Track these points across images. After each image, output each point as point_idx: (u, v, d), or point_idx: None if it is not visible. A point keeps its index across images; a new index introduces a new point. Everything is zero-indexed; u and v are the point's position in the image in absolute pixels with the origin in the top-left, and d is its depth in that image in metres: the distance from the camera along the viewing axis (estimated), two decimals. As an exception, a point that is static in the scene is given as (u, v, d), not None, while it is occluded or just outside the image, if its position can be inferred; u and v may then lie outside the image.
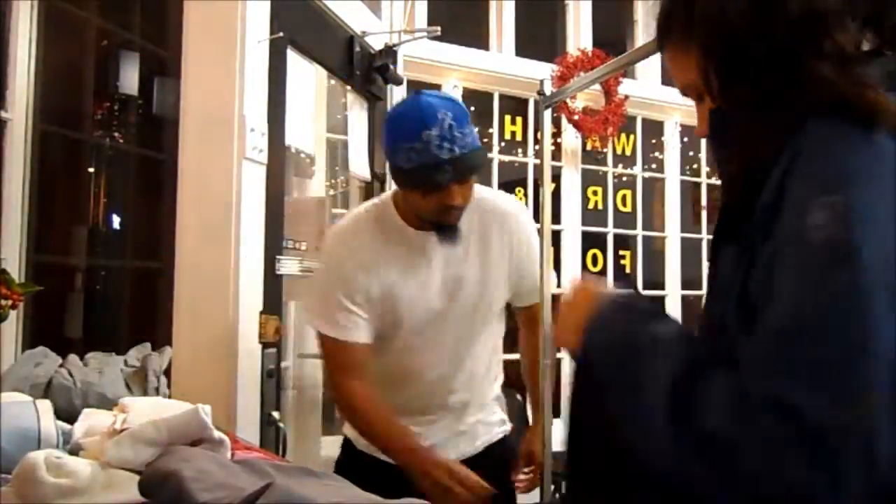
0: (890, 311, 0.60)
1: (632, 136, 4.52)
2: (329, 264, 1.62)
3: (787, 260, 0.65)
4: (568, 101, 3.97)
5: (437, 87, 3.86)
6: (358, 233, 1.60)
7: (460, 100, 1.58)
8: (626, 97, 4.23)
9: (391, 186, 3.14)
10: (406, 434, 1.56)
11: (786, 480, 0.59)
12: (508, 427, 1.81)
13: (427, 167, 1.41)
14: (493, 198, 1.68)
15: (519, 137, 4.20)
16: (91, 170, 2.66)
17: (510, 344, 1.86)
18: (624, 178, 4.52)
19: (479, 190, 1.59)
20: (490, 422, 1.76)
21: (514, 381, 1.96)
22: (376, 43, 3.01)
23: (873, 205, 0.63)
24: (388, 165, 1.56)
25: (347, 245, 1.59)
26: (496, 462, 1.72)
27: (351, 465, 1.71)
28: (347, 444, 1.76)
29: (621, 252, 4.43)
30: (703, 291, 4.16)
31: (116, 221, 2.79)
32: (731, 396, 0.63)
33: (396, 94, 3.20)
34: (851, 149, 0.66)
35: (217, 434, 1.25)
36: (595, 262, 4.31)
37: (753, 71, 0.74)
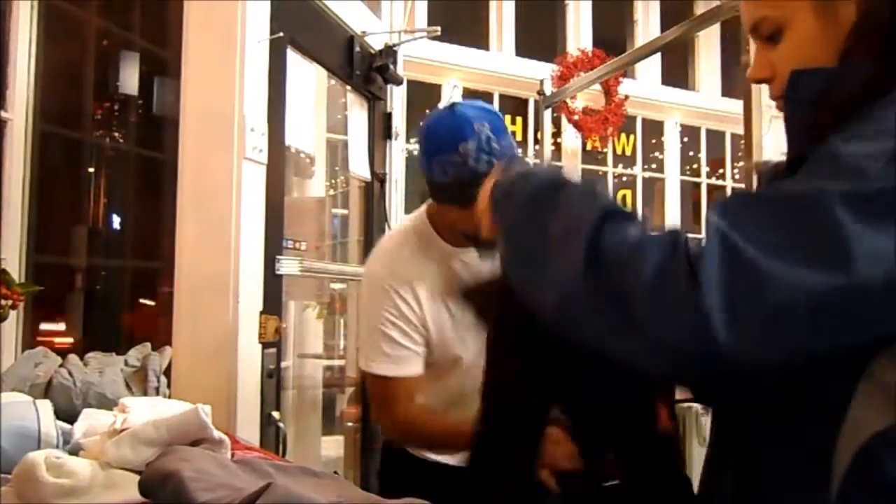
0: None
1: (632, 136, 4.52)
2: (372, 288, 1.53)
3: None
4: (568, 101, 3.97)
5: (437, 87, 3.86)
6: (398, 252, 1.54)
7: (496, 109, 1.54)
8: (626, 97, 4.23)
9: (393, 186, 3.15)
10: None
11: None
12: None
13: (465, 181, 1.33)
14: None
15: (519, 137, 4.20)
16: (91, 170, 2.66)
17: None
18: (624, 178, 4.53)
19: None
20: None
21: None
22: (376, 43, 3.01)
23: None
24: (425, 179, 1.49)
25: (389, 267, 1.51)
26: None
27: (397, 470, 1.64)
28: (388, 452, 1.69)
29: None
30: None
31: (116, 221, 2.79)
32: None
33: (396, 94, 3.20)
34: None
35: (217, 434, 1.25)
36: (595, 262, 4.31)
37: None
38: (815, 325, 0.60)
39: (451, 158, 1.37)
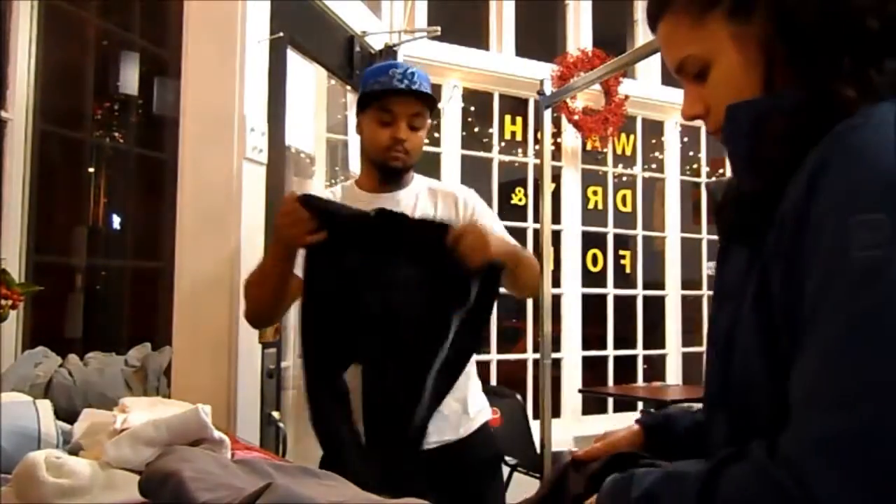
0: None
1: (632, 136, 4.52)
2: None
3: (829, 282, 0.61)
4: (568, 101, 3.97)
5: (437, 87, 3.86)
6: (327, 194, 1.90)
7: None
8: (626, 97, 4.23)
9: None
10: None
11: None
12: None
13: (386, 91, 1.74)
14: (442, 184, 2.00)
15: (519, 137, 4.20)
16: (91, 170, 2.66)
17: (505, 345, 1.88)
18: (624, 178, 4.53)
19: (430, 181, 1.91)
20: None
21: (513, 381, 1.98)
22: (376, 43, 3.01)
23: None
24: (357, 106, 1.83)
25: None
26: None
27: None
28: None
29: (621, 252, 4.43)
30: (703, 292, 4.17)
31: (116, 221, 2.79)
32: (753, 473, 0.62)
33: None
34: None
35: (217, 434, 1.25)
36: (595, 262, 4.31)
37: (825, 60, 0.70)
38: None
39: (380, 78, 1.77)
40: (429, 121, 1.85)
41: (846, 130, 0.65)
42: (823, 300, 0.61)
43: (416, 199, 1.84)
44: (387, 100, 1.75)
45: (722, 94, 0.79)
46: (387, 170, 1.80)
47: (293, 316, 2.96)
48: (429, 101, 1.81)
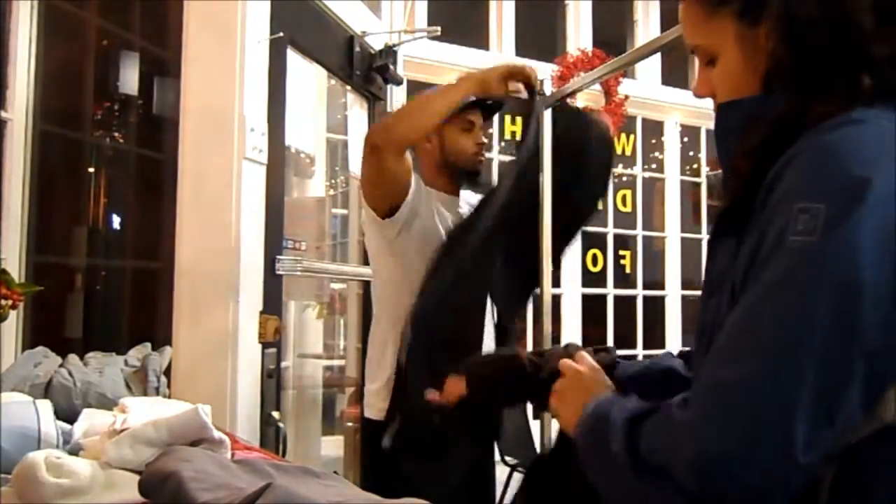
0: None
1: (632, 136, 4.52)
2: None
3: (766, 261, 0.66)
4: (568, 101, 3.97)
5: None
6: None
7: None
8: (626, 97, 4.23)
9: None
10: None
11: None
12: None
13: (473, 104, 1.97)
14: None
15: (519, 137, 4.19)
16: (91, 170, 2.66)
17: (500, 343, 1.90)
18: (624, 178, 4.53)
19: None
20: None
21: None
22: (376, 43, 3.01)
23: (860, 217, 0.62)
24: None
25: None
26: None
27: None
28: (370, 425, 1.88)
29: (621, 252, 4.43)
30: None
31: (116, 221, 2.79)
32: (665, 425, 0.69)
33: (396, 94, 3.20)
34: (852, 156, 0.64)
35: (217, 434, 1.25)
36: (595, 262, 4.31)
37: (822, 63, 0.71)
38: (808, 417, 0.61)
39: None
40: None
41: (823, 129, 0.67)
42: (754, 276, 0.67)
43: (471, 198, 2.05)
44: (468, 111, 1.97)
45: (723, 86, 0.82)
46: (470, 172, 2.00)
47: (293, 315, 2.97)
48: (491, 111, 2.11)
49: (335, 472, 1.42)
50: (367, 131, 1.96)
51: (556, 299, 4.01)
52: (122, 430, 1.21)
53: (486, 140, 2.03)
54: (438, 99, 1.83)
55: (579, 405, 0.83)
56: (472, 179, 2.02)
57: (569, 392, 0.93)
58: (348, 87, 2.97)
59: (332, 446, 3.12)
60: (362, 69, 2.88)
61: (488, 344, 1.85)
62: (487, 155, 3.97)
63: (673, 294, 4.51)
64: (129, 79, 2.62)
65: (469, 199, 2.03)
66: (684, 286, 4.55)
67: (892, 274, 0.61)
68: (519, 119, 4.18)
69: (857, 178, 0.62)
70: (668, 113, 4.52)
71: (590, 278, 4.25)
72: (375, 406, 1.87)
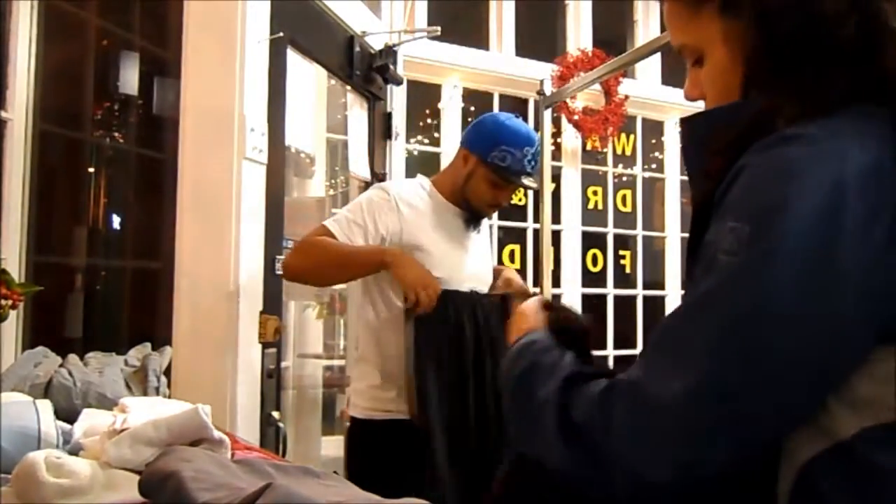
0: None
1: (632, 136, 4.52)
2: (371, 189, 2.01)
3: (701, 274, 0.67)
4: (568, 101, 3.97)
5: (437, 87, 3.86)
6: (408, 182, 2.09)
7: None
8: (626, 97, 4.23)
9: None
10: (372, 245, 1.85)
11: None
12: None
13: (514, 171, 1.91)
14: None
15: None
16: (91, 170, 2.66)
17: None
18: (624, 178, 4.53)
19: None
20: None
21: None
22: (376, 43, 3.01)
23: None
24: (473, 153, 1.95)
25: (396, 184, 2.06)
26: None
27: (362, 439, 1.92)
28: (358, 427, 1.92)
29: (621, 252, 4.43)
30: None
31: (116, 221, 2.79)
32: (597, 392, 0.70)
33: (396, 94, 3.20)
34: (787, 172, 0.63)
35: (217, 434, 1.25)
36: (595, 262, 4.31)
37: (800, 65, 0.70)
38: (687, 432, 0.63)
39: (515, 153, 1.89)
40: None
41: (776, 140, 0.65)
42: (693, 284, 0.68)
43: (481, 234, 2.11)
44: (511, 181, 1.94)
45: (710, 88, 0.80)
46: (475, 216, 2.01)
47: (293, 315, 2.97)
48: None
49: (335, 472, 1.42)
50: (289, 253, 1.98)
51: (557, 299, 4.02)
52: (122, 430, 1.21)
53: (503, 204, 2.05)
54: (357, 259, 1.86)
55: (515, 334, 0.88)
56: (472, 221, 2.01)
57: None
58: (348, 87, 2.97)
59: (332, 446, 3.12)
60: (362, 69, 2.88)
61: None
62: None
63: (673, 294, 4.51)
64: (129, 79, 2.62)
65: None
66: (684, 286, 4.55)
67: (806, 298, 0.60)
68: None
69: (775, 199, 0.62)
70: (668, 113, 4.52)
71: (590, 278, 4.25)
72: (358, 405, 1.93)
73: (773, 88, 0.71)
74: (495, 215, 3.92)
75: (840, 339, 0.61)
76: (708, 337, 0.63)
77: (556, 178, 4.17)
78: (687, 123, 0.78)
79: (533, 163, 1.94)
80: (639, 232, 4.48)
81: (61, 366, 1.68)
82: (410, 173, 3.42)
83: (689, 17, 0.79)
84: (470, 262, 1.99)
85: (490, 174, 1.92)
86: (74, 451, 1.27)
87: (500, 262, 4.02)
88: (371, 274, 1.88)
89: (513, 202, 4.13)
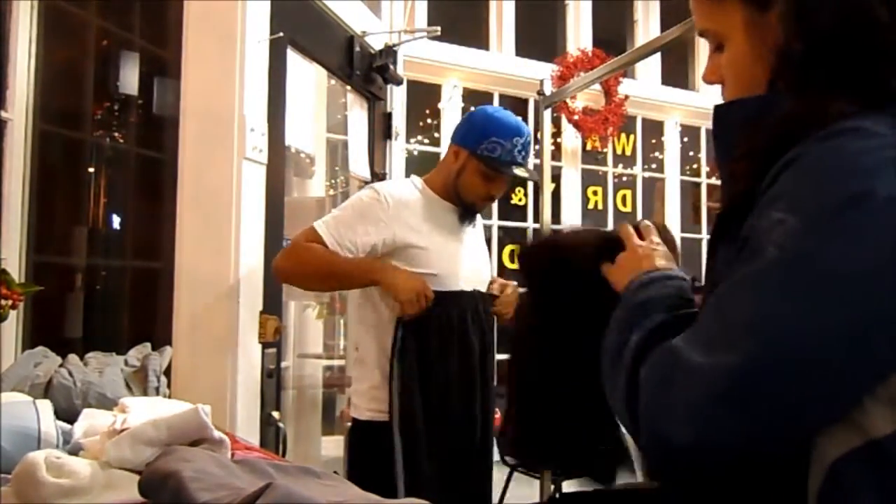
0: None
1: (632, 136, 4.52)
2: (363, 190, 1.99)
3: (742, 262, 0.66)
4: (568, 101, 3.97)
5: (437, 87, 3.86)
6: (401, 182, 2.09)
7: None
8: (626, 97, 4.23)
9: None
10: (369, 259, 1.84)
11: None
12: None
13: (504, 161, 1.90)
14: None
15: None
16: (91, 170, 2.66)
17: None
18: (624, 178, 4.53)
19: None
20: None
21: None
22: (376, 43, 3.01)
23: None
24: (463, 147, 1.94)
25: (387, 184, 2.04)
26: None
27: (364, 441, 1.90)
28: (359, 428, 1.91)
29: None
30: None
31: (116, 221, 2.79)
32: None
33: (396, 94, 3.20)
34: (842, 169, 0.62)
35: (217, 434, 1.25)
36: (595, 262, 4.30)
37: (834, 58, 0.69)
38: (734, 407, 0.61)
39: (505, 143, 1.90)
40: None
41: (831, 133, 0.65)
42: (734, 270, 0.67)
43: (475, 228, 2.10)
44: (501, 171, 1.92)
45: (730, 73, 0.80)
46: (469, 211, 1.99)
47: (293, 316, 2.97)
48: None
49: (335, 472, 1.42)
50: (279, 255, 1.92)
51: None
52: (122, 430, 1.21)
53: (497, 196, 2.02)
54: (347, 276, 1.85)
55: (629, 274, 0.89)
56: (466, 217, 2.00)
57: (624, 261, 0.95)
58: (348, 87, 2.97)
59: (332, 446, 3.12)
60: (362, 69, 2.88)
61: None
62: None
63: (673, 294, 4.51)
64: (129, 79, 2.62)
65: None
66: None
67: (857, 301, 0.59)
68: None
69: (837, 195, 0.61)
70: (668, 113, 4.52)
71: (590, 278, 4.25)
72: (359, 407, 1.92)
73: (809, 83, 0.70)
74: (495, 216, 3.93)
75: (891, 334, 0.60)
76: (751, 315, 0.62)
77: (556, 178, 4.17)
78: (718, 111, 0.78)
79: (524, 153, 1.93)
80: (639, 232, 4.48)
81: (61, 366, 1.68)
82: (410, 173, 3.42)
83: (713, 3, 0.80)
84: (466, 258, 1.97)
85: (481, 166, 1.91)
86: (74, 451, 1.27)
87: (499, 261, 4.02)
88: (360, 288, 1.90)
89: (513, 202, 4.13)
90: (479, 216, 2.11)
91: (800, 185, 0.64)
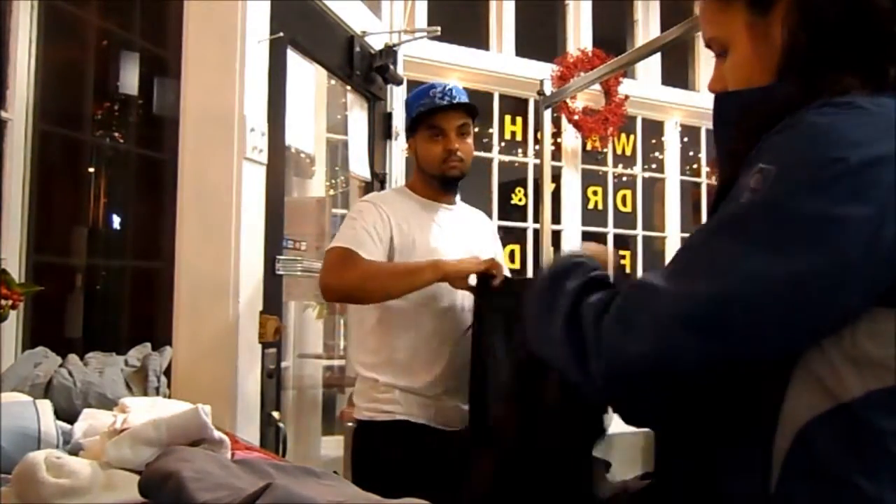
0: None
1: (632, 136, 4.52)
2: (358, 205, 2.05)
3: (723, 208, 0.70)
4: (568, 101, 3.97)
5: (437, 87, 3.86)
6: (385, 193, 2.30)
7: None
8: (626, 97, 4.23)
9: (392, 186, 3.15)
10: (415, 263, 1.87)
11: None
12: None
13: (435, 107, 1.94)
14: (468, 206, 2.18)
15: (519, 137, 4.20)
16: (91, 170, 2.65)
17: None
18: (624, 178, 4.53)
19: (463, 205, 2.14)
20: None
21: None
22: (376, 43, 3.01)
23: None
24: (408, 132, 2.05)
25: (376, 197, 2.11)
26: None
27: (365, 441, 1.92)
28: (361, 428, 1.93)
29: (621, 252, 4.43)
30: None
31: (116, 221, 2.79)
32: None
33: (397, 94, 3.20)
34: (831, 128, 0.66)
35: (217, 434, 1.25)
36: (595, 262, 4.30)
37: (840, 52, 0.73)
38: (701, 332, 0.65)
39: (423, 101, 1.96)
40: (474, 128, 2.05)
41: (824, 104, 0.68)
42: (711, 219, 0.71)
43: (470, 214, 2.14)
44: (433, 117, 1.95)
45: (734, 78, 0.82)
46: (446, 180, 1.99)
47: (293, 316, 2.97)
48: (470, 111, 2.00)
49: (335, 472, 1.42)
50: (323, 272, 1.89)
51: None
52: (122, 430, 1.21)
53: (458, 146, 1.97)
54: (399, 280, 1.84)
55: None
56: (448, 186, 2.02)
57: None
58: (348, 87, 2.97)
59: (332, 446, 3.12)
60: (362, 69, 2.88)
61: None
62: (488, 155, 3.99)
63: (673, 294, 4.51)
64: (129, 79, 2.62)
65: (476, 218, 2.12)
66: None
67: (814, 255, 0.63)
68: (519, 119, 4.19)
69: (818, 158, 0.64)
70: (668, 113, 4.52)
71: (590, 278, 4.25)
72: (361, 407, 1.93)
73: (814, 71, 0.73)
74: (495, 216, 3.93)
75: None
76: (726, 251, 0.66)
77: (556, 178, 4.17)
78: (719, 101, 0.82)
79: (449, 96, 1.95)
80: (639, 232, 4.48)
81: (61, 366, 1.68)
82: (410, 173, 3.42)
83: (718, 10, 0.83)
84: (463, 248, 1.97)
85: (422, 131, 1.97)
86: (74, 451, 1.27)
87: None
88: (425, 287, 1.85)
89: (513, 202, 4.14)
90: (483, 215, 2.15)
91: (785, 146, 0.67)
